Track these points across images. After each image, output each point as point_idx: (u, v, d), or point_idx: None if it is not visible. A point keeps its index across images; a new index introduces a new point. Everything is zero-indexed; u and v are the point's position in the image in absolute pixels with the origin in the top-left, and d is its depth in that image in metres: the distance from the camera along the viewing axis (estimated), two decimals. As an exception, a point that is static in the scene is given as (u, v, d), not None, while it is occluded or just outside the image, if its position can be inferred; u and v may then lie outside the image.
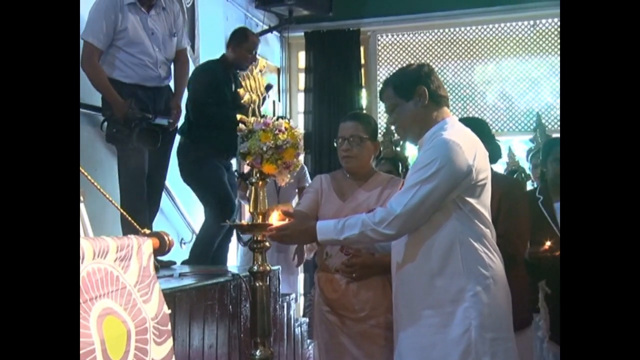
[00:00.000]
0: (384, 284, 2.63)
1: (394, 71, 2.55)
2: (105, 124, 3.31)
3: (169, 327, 1.70)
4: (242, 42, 4.16)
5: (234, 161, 4.22)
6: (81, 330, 1.33)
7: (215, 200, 3.90)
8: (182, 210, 4.83)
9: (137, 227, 1.78)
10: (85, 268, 1.39)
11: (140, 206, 3.32)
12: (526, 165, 5.13)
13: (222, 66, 4.10)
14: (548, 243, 3.07)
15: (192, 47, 4.93)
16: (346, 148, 2.73)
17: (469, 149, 2.17)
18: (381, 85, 2.47)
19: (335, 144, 2.80)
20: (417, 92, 2.29)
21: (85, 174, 1.81)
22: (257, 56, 5.56)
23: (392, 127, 2.58)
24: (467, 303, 2.14)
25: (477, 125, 2.91)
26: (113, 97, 3.26)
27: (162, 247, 1.74)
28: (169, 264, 3.67)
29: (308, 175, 4.75)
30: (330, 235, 2.28)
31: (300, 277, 6.16)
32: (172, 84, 3.65)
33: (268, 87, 2.81)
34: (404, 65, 2.55)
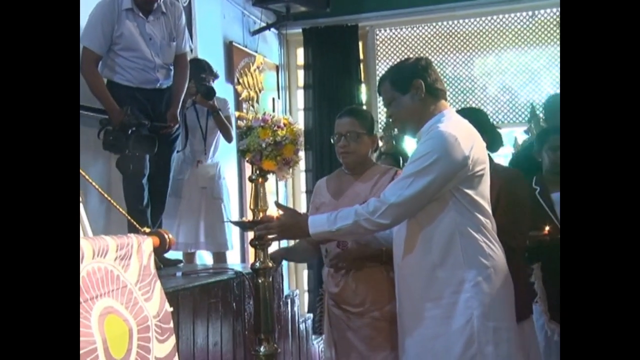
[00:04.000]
0: (382, 275, 2.63)
1: (391, 66, 2.54)
2: (103, 131, 3.31)
3: (171, 324, 1.70)
4: None
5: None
6: (82, 329, 1.34)
7: None
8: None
9: (137, 226, 1.78)
10: (85, 267, 1.40)
11: (140, 207, 3.33)
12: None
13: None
14: (547, 227, 3.07)
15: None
16: (343, 144, 2.73)
17: (465, 140, 2.17)
18: (379, 79, 2.47)
19: (332, 141, 2.80)
20: (413, 85, 2.29)
21: (86, 176, 1.82)
22: (255, 53, 5.50)
23: (390, 120, 2.57)
24: (469, 293, 2.15)
25: (476, 115, 2.90)
26: (109, 105, 3.28)
27: (163, 246, 1.74)
28: (175, 263, 3.68)
29: (229, 105, 4.57)
30: (323, 228, 2.24)
31: (305, 273, 6.17)
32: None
33: None
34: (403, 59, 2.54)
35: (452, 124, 2.22)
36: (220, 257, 4.35)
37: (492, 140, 2.93)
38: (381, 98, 2.44)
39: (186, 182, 4.20)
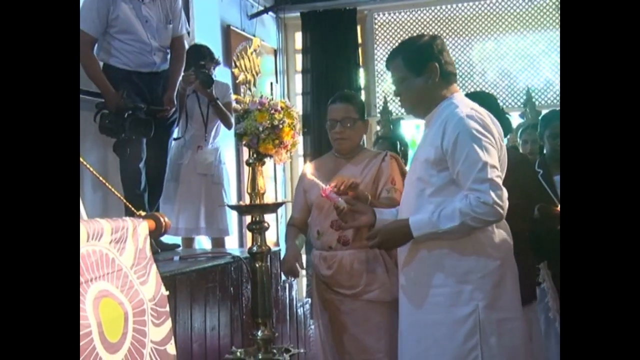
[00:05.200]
0: (377, 257, 2.62)
1: (404, 40, 2.41)
2: (99, 115, 3.28)
3: (167, 308, 1.69)
4: None
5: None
6: (77, 312, 1.33)
7: None
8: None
9: (133, 209, 1.76)
10: (80, 250, 1.38)
11: (138, 191, 3.31)
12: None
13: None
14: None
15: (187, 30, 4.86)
16: (339, 130, 2.72)
17: (487, 119, 2.17)
18: (390, 53, 2.35)
19: (326, 127, 2.80)
20: (429, 68, 2.21)
21: (82, 160, 1.80)
22: (252, 37, 5.45)
23: (397, 99, 2.51)
24: (474, 285, 2.13)
25: (487, 100, 2.88)
26: (105, 88, 3.25)
27: (158, 229, 1.72)
28: (173, 247, 3.67)
29: (231, 91, 4.53)
30: (427, 229, 2.14)
31: (303, 258, 6.15)
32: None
33: None
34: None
35: (466, 108, 2.18)
36: (218, 242, 4.34)
37: (503, 126, 2.90)
38: (390, 73, 2.34)
39: (185, 166, 4.18)
